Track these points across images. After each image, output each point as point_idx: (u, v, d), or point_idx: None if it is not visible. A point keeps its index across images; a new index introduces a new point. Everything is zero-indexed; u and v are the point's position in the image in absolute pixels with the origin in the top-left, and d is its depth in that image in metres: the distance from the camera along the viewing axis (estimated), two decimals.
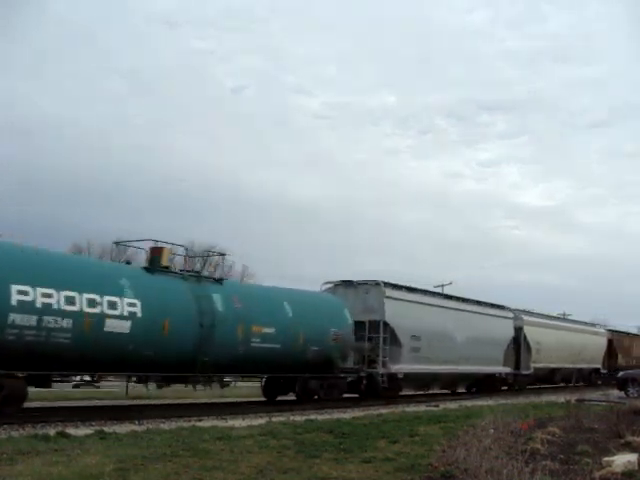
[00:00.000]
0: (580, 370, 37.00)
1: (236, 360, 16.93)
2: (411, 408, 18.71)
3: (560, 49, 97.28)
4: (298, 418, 14.49)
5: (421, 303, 24.55)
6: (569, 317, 40.74)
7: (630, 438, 10.82)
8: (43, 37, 77.67)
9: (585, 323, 41.34)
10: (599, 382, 39.16)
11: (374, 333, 21.90)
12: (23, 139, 74.58)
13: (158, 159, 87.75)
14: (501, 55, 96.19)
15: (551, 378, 34.96)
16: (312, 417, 14.76)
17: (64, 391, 25.31)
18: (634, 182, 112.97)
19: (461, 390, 29.25)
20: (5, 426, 11.43)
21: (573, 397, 18.01)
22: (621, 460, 8.50)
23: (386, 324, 22.06)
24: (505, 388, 30.75)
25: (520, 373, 30.91)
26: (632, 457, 8.80)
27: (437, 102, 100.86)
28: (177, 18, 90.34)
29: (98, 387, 31.19)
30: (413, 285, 25.25)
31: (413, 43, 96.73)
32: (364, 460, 9.01)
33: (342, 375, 20.56)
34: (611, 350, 41.28)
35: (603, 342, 40.70)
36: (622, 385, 26.88)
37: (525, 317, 32.17)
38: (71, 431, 11.07)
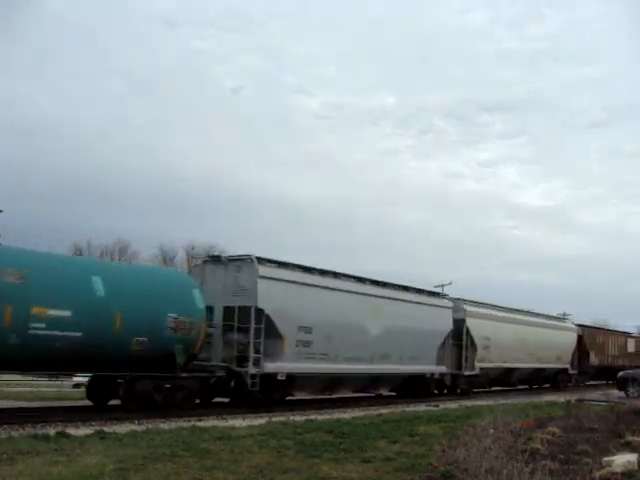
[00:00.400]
0: (543, 370, 32.77)
1: (5, 352, 12.74)
2: (411, 408, 18.71)
3: (560, 49, 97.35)
4: (298, 418, 14.49)
5: (314, 286, 18.99)
6: (532, 311, 34.54)
7: (630, 438, 10.83)
8: (43, 37, 77.77)
9: (549, 317, 35.98)
10: (569, 384, 35.36)
11: (246, 322, 17.14)
12: (23, 139, 74.66)
13: (158, 159, 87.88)
14: (501, 55, 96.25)
15: (506, 380, 30.28)
16: (312, 417, 14.77)
17: (64, 391, 25.34)
18: (634, 182, 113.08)
19: (387, 393, 23.75)
20: (5, 426, 11.43)
21: (573, 397, 17.99)
22: (621, 460, 8.51)
23: (260, 310, 17.03)
24: (445, 392, 26.16)
25: (461, 374, 25.76)
26: (632, 457, 8.80)
27: (437, 102, 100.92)
28: (177, 18, 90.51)
29: None
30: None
31: (413, 43, 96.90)
32: (364, 460, 9.02)
33: (192, 375, 16.02)
34: (582, 348, 36.83)
35: (572, 339, 35.85)
36: (622, 385, 26.90)
37: (468, 307, 26.62)
38: (71, 431, 11.07)
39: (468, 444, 9.32)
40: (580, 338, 36.58)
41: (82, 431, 11.17)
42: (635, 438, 10.76)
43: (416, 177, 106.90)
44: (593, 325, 41.48)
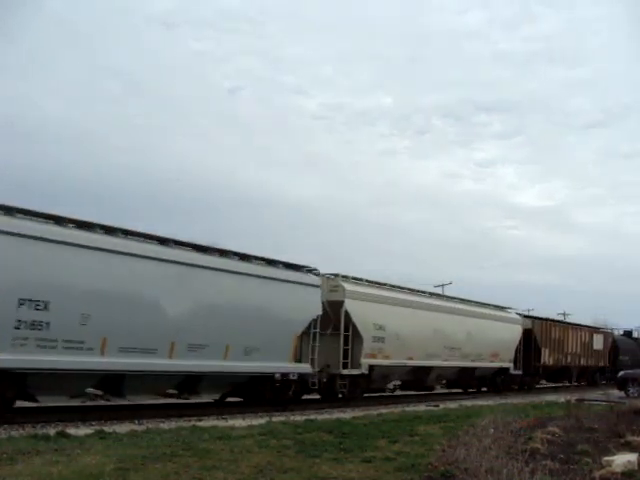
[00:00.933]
0: (472, 370, 26.76)
1: None
2: (411, 408, 18.71)
3: (556, 50, 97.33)
4: (298, 418, 14.49)
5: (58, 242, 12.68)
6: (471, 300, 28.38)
7: (630, 438, 10.84)
8: (41, 37, 77.69)
9: (483, 304, 28.82)
10: (514, 387, 29.94)
11: None
12: (22, 139, 74.64)
13: (157, 160, 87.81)
14: (497, 56, 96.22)
15: (418, 381, 24.14)
16: (312, 417, 14.77)
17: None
18: (630, 182, 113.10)
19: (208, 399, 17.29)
20: (5, 426, 11.42)
21: (573, 397, 17.99)
22: (621, 460, 8.52)
23: None
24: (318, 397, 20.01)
25: (338, 373, 19.41)
26: (632, 457, 8.81)
27: (434, 103, 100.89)
28: (175, 19, 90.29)
29: None
30: None
31: (409, 44, 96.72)
32: (364, 460, 9.01)
33: None
34: (531, 343, 30.79)
35: (515, 332, 29.76)
36: (622, 385, 26.91)
37: (349, 286, 20.18)
38: (71, 431, 11.06)
39: (468, 444, 9.32)
40: (528, 332, 30.59)
41: (82, 431, 11.17)
42: (635, 438, 10.76)
43: (415, 177, 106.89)
44: (547, 317, 34.48)
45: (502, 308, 30.60)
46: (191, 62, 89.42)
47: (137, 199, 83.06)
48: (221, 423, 13.41)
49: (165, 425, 12.61)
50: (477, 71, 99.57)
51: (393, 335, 21.44)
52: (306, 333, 18.51)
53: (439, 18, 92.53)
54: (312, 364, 18.42)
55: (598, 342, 37.77)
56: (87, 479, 7.18)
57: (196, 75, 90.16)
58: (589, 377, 37.51)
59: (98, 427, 11.63)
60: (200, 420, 13.73)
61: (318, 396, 20.00)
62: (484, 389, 28.68)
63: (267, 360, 16.93)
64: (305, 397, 19.76)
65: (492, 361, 27.95)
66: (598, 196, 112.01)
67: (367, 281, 21.77)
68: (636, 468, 8.46)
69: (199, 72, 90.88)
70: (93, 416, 13.16)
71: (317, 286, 18.94)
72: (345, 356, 19.60)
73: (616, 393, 25.48)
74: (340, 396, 19.84)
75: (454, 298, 27.48)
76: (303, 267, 18.97)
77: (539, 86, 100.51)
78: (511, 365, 29.40)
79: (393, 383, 24.30)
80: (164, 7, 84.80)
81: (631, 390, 25.73)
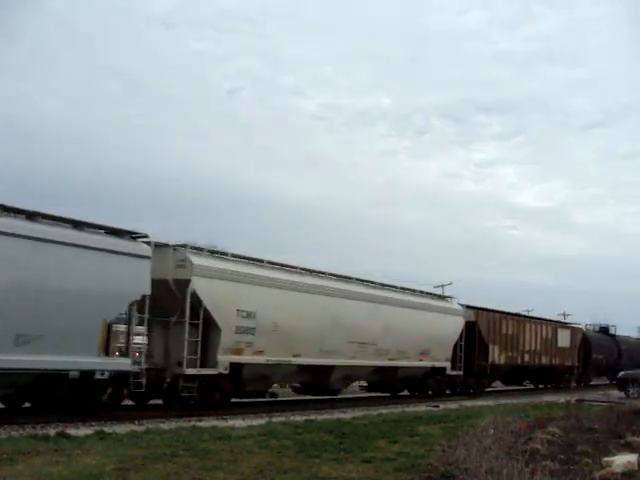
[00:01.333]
0: (393, 371, 21.66)
1: None
2: (411, 408, 18.71)
3: (556, 50, 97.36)
4: (298, 418, 14.49)
5: None
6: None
7: (630, 438, 10.84)
8: (41, 37, 77.71)
9: (408, 290, 23.36)
10: (447, 391, 24.64)
11: None
12: (22, 139, 74.67)
13: (157, 160, 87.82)
14: (497, 56, 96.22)
15: (318, 383, 19.48)
16: (312, 417, 14.76)
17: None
18: (631, 182, 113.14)
19: None
20: (5, 426, 11.43)
21: (573, 397, 18.00)
22: (621, 460, 8.52)
23: None
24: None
25: (181, 373, 14.99)
26: (632, 457, 8.81)
27: (434, 103, 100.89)
28: (175, 19, 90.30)
29: None
30: None
31: (409, 44, 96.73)
32: (364, 460, 9.02)
33: None
34: (474, 339, 25.70)
35: (454, 326, 24.45)
36: (622, 385, 26.92)
37: (198, 260, 15.52)
38: (71, 431, 11.07)
39: (468, 444, 9.32)
40: (472, 326, 25.61)
41: (82, 431, 11.18)
42: (635, 438, 10.76)
43: (415, 177, 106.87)
44: (497, 309, 28.81)
45: (439, 297, 26.14)
46: (191, 62, 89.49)
47: (137, 199, 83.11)
48: (221, 423, 13.42)
49: (165, 425, 12.62)
50: (477, 71, 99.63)
51: (268, 325, 16.72)
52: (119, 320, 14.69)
53: (439, 18, 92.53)
54: (135, 359, 14.40)
55: (564, 338, 33.28)
56: (87, 479, 7.19)
57: (196, 75, 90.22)
58: (556, 378, 33.46)
59: (98, 427, 11.64)
60: (200, 420, 13.73)
61: (160, 401, 15.95)
62: (416, 392, 23.70)
63: (57, 353, 12.52)
64: (153, 402, 15.84)
65: (421, 360, 22.73)
66: (598, 196, 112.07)
67: (234, 256, 16.99)
68: (636, 468, 8.46)
69: (199, 72, 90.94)
70: (93, 416, 13.15)
71: (145, 257, 14.38)
72: (194, 351, 15.14)
73: (616, 393, 25.51)
74: (192, 402, 15.36)
75: (367, 282, 21.38)
76: (125, 232, 14.49)
77: (539, 86, 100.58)
78: (447, 364, 24.10)
79: (292, 385, 20.80)
80: (164, 7, 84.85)
81: (631, 390, 25.71)
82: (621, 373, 28.64)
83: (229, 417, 14.76)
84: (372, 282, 21.68)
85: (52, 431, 11.04)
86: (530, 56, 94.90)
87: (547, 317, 34.82)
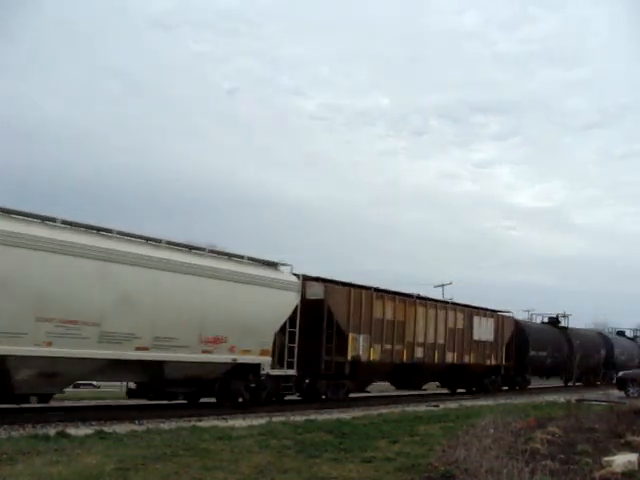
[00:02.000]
0: (159, 367, 14.11)
1: None
2: (411, 408, 18.71)
3: (554, 51, 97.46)
4: (298, 418, 14.49)
5: None
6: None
7: (630, 438, 10.83)
8: (41, 37, 77.71)
9: (182, 246, 15.31)
10: (261, 394, 16.71)
11: None
12: (22, 139, 74.64)
13: (156, 160, 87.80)
14: (495, 57, 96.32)
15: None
16: (312, 417, 14.76)
17: (64, 391, 25.11)
18: (630, 182, 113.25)
19: None
20: (5, 426, 11.43)
21: (573, 397, 18.01)
22: (621, 460, 8.52)
23: None
24: None
25: None
26: (632, 457, 8.81)
27: (432, 103, 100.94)
28: (174, 20, 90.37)
29: (98, 387, 31.31)
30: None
31: (407, 44, 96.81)
32: (364, 460, 9.02)
33: None
34: (322, 325, 18.51)
35: (282, 304, 17.16)
36: (622, 385, 26.92)
37: None
38: (71, 431, 11.07)
39: (468, 444, 9.32)
40: (317, 306, 18.49)
41: (82, 431, 11.18)
42: (635, 438, 10.76)
43: (414, 178, 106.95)
44: (364, 284, 20.52)
45: (264, 262, 17.46)
46: (191, 62, 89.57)
47: (137, 199, 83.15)
48: (221, 423, 13.42)
49: (165, 425, 12.62)
50: (476, 72, 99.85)
51: None
52: None
53: (438, 19, 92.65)
54: None
55: (484, 329, 25.75)
56: (87, 479, 7.19)
57: (196, 75, 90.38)
58: (473, 382, 26.88)
59: (98, 427, 11.64)
60: (200, 420, 13.73)
61: None
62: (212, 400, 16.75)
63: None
64: None
65: (209, 352, 15.20)
66: (597, 196, 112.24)
67: None
68: (636, 468, 8.46)
69: (199, 72, 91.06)
70: (93, 416, 13.17)
71: None
72: None
73: (616, 393, 25.51)
74: None
75: (92, 228, 13.57)
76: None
77: (538, 87, 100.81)
78: (265, 360, 16.74)
79: None
80: (164, 8, 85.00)
81: (631, 390, 25.72)
82: (621, 373, 28.63)
83: (229, 417, 14.76)
84: (107, 230, 13.77)
85: (52, 431, 11.04)
86: (529, 57, 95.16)
87: (458, 302, 26.00)
